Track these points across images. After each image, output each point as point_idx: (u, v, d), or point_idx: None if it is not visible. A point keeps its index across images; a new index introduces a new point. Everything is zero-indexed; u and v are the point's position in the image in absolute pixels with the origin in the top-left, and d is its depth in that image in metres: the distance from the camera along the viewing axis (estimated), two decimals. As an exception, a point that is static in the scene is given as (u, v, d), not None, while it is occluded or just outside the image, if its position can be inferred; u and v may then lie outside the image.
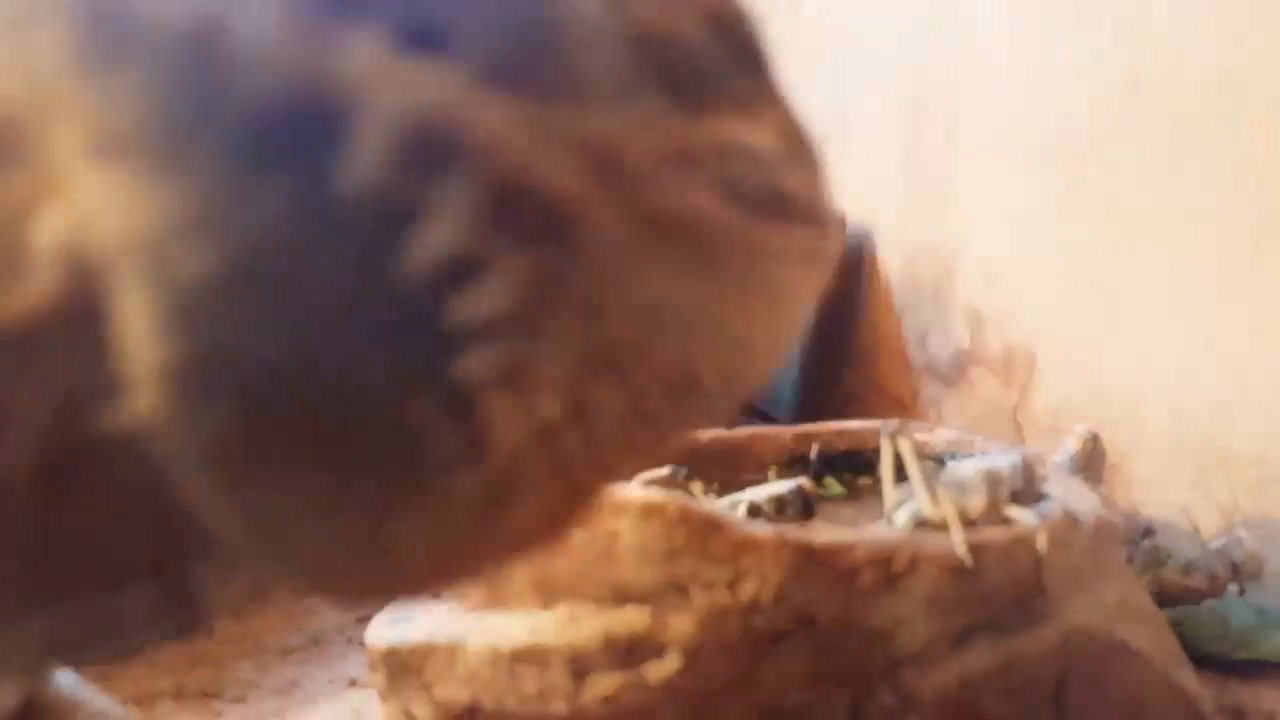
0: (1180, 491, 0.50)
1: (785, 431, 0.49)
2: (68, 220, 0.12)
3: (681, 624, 0.26)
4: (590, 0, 0.14)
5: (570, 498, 0.15)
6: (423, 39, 0.13)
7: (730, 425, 1.03)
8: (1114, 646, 0.30)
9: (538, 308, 0.13)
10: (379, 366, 0.13)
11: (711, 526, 0.28)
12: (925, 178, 0.77)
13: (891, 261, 0.83)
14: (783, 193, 0.16)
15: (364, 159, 0.12)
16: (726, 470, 0.46)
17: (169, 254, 0.12)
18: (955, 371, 0.73)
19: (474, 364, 0.13)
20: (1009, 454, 0.45)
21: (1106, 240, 0.57)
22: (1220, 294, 0.49)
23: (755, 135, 0.15)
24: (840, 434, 0.50)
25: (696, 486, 0.43)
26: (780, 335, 0.16)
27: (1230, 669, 0.42)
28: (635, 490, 0.29)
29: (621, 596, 0.28)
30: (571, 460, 0.14)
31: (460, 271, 0.12)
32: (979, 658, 0.29)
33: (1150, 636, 0.31)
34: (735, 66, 0.16)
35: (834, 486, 0.47)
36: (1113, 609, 0.30)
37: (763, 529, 0.28)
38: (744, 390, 0.16)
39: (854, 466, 0.49)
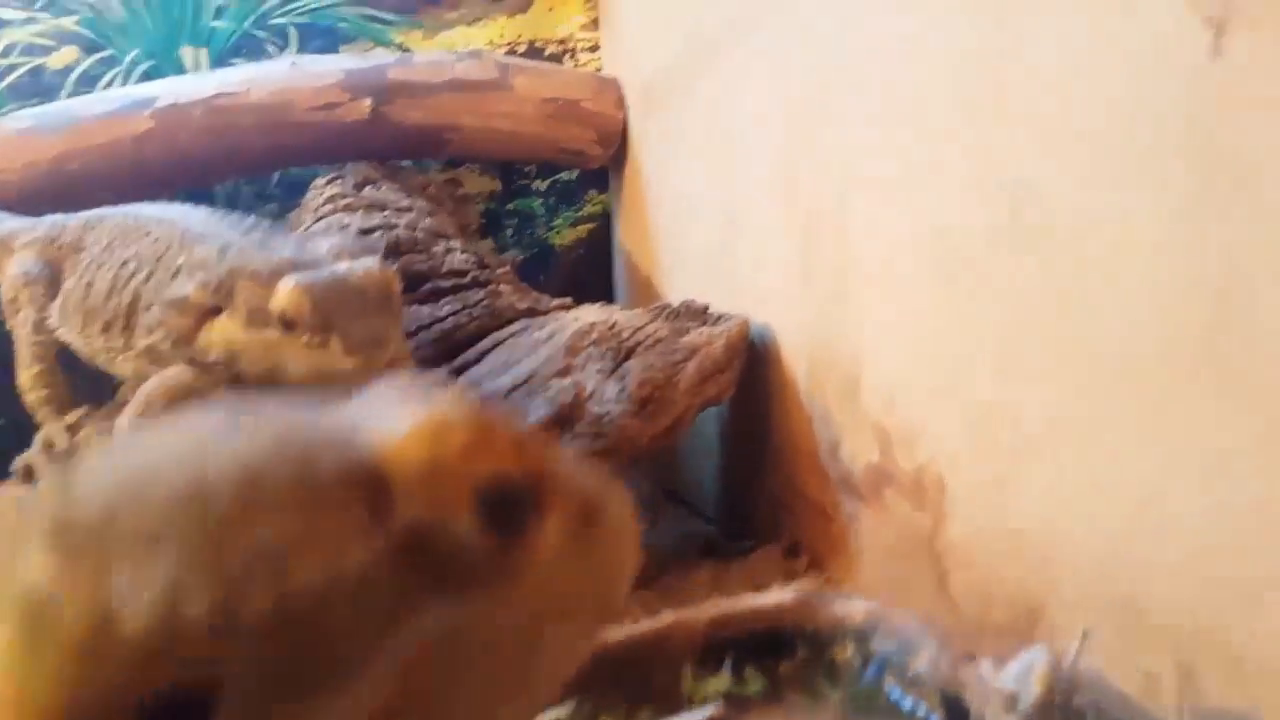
0: (1100, 646, 0.49)
1: (699, 618, 0.47)
2: None
3: None
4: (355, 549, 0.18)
5: None
6: None
7: (655, 517, 1.01)
8: None
9: None
10: None
11: None
12: (821, 289, 0.76)
13: (795, 367, 0.82)
14: None
15: None
16: (638, 677, 0.44)
17: None
18: (869, 487, 0.72)
19: None
20: (933, 639, 0.43)
21: (1006, 365, 0.57)
22: (1137, 425, 0.48)
23: None
24: (757, 614, 0.47)
25: None
26: None
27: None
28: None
29: None
30: None
31: None
32: None
33: None
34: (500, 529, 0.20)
35: (753, 681, 0.45)
36: None
37: None
38: None
39: (775, 649, 0.47)
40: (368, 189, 0.94)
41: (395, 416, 0.19)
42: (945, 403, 0.62)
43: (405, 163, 1.09)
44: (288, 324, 0.56)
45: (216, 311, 0.59)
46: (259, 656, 0.16)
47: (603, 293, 1.23)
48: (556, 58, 1.20)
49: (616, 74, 1.17)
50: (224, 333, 0.59)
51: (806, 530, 0.82)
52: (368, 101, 0.97)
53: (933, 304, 0.62)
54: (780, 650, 0.47)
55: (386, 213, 0.90)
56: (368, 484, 0.18)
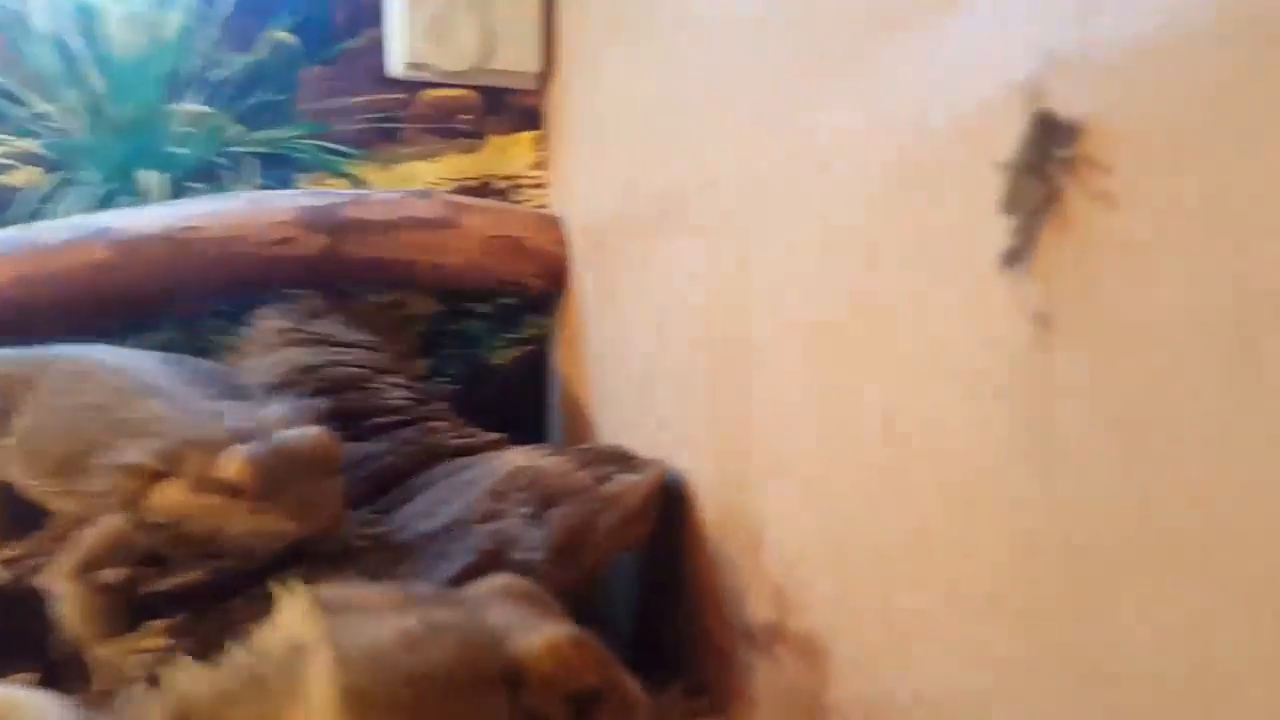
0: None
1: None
2: None
3: None
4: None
5: None
6: None
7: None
8: None
9: None
10: None
11: None
12: (728, 447, 0.82)
13: (706, 516, 0.88)
14: None
15: None
16: None
17: None
18: (765, 641, 0.77)
19: None
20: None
21: (880, 557, 0.63)
22: (993, 610, 0.53)
23: None
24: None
25: None
26: None
27: None
28: None
29: None
30: None
31: None
32: None
33: None
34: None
35: None
36: None
37: None
38: None
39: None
40: (315, 323, 0.99)
41: (530, 630, 0.30)
42: (834, 576, 0.68)
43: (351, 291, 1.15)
44: (234, 492, 0.61)
45: (165, 475, 0.63)
46: None
47: (538, 412, 1.29)
48: (503, 193, 1.28)
49: (561, 211, 1.25)
50: (171, 497, 0.63)
51: (710, 671, 0.87)
52: (322, 238, 1.03)
53: (823, 484, 0.69)
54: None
55: (331, 349, 0.95)
56: (512, 679, 0.29)
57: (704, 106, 0.87)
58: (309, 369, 0.91)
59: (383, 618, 0.31)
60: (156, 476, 0.63)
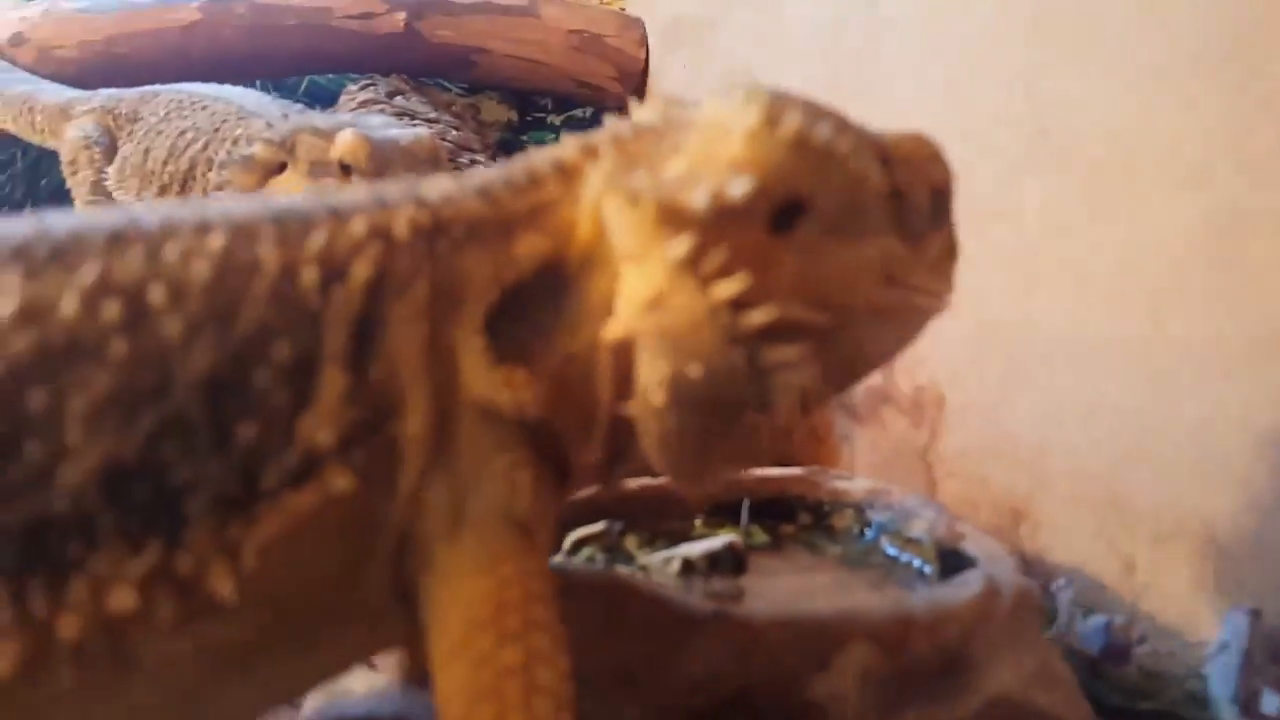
0: (1083, 540, 0.53)
1: (712, 480, 0.50)
2: None
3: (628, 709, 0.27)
4: (877, 173, 0.31)
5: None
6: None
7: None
8: (1032, 712, 0.31)
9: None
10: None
11: (653, 605, 0.28)
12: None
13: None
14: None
15: None
16: (655, 519, 0.47)
17: None
18: (867, 409, 0.75)
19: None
20: (930, 508, 0.46)
21: (1013, 288, 0.60)
22: (1123, 349, 0.52)
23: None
24: (763, 481, 0.51)
25: (631, 541, 0.44)
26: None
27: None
28: (580, 570, 0.29)
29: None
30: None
31: None
32: (908, 727, 0.30)
33: (1064, 700, 0.33)
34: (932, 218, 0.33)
35: (758, 535, 0.48)
36: (1030, 676, 0.32)
37: (703, 608, 0.29)
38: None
39: (776, 514, 0.50)
40: (398, 99, 0.97)
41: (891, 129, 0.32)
42: (951, 324, 0.65)
43: (430, 82, 1.11)
44: (346, 170, 0.60)
45: (280, 169, 0.62)
46: (834, 196, 0.29)
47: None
48: (580, -8, 1.22)
49: (640, 13, 1.20)
50: (287, 186, 0.62)
51: (799, 454, 0.85)
52: (402, 15, 0.99)
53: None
54: (783, 517, 0.50)
55: (416, 122, 0.93)
56: (882, 153, 0.31)
57: None
58: (394, 135, 0.88)
59: None
60: (272, 170, 0.62)
